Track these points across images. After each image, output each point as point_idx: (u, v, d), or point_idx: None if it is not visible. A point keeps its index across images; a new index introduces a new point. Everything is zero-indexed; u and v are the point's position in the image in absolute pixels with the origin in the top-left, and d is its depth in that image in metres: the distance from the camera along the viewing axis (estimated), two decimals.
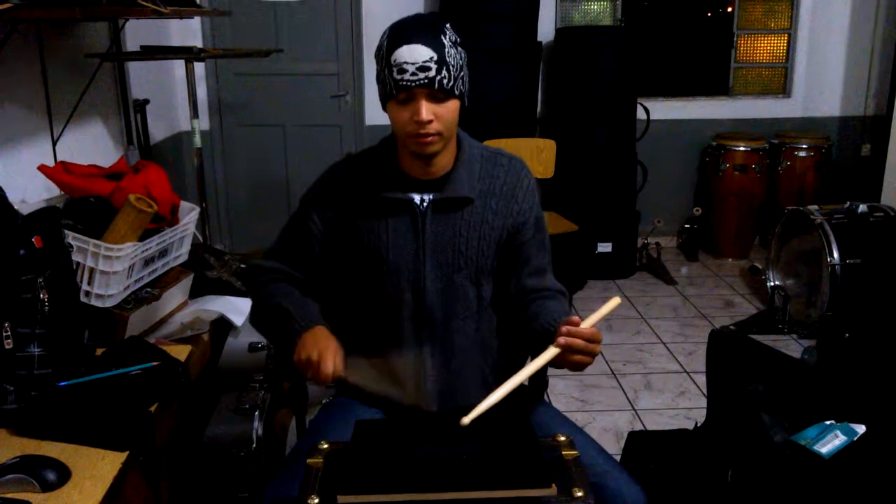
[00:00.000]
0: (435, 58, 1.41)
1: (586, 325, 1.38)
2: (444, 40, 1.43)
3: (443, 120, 1.45)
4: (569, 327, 1.37)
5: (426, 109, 1.42)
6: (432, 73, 1.41)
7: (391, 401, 1.54)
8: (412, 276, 1.56)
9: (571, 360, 1.38)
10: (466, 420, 1.24)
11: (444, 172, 1.55)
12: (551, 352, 1.38)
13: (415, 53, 1.40)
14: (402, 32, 1.43)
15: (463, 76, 1.47)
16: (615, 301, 1.44)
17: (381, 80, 1.47)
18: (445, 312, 1.57)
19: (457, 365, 1.60)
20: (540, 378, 1.78)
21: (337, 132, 4.79)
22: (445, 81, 1.42)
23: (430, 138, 1.45)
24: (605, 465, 1.46)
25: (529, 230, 1.61)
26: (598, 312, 1.41)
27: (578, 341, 1.36)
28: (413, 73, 1.40)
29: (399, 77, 1.41)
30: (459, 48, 1.47)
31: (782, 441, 1.76)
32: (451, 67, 1.43)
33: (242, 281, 2.54)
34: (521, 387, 1.74)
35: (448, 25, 1.47)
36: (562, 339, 1.37)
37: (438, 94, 1.43)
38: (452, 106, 1.46)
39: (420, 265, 1.55)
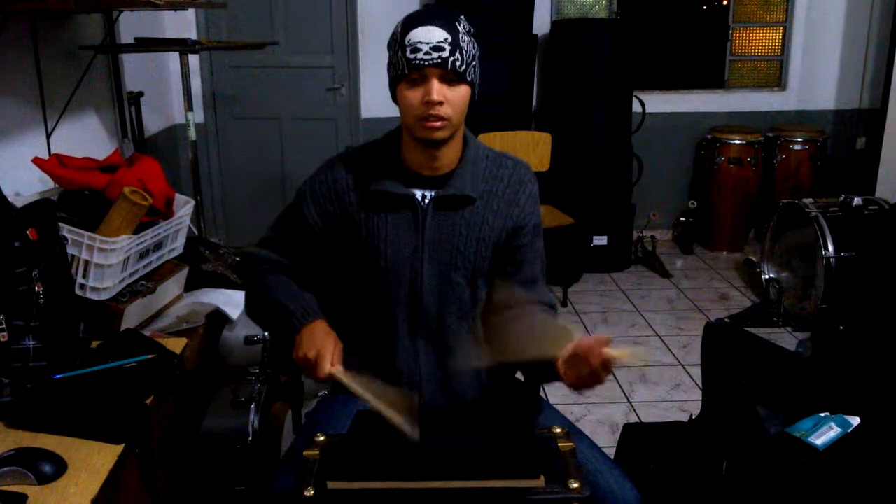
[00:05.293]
0: (449, 39, 1.41)
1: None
2: (459, 27, 1.44)
3: (453, 105, 1.44)
4: (596, 339, 1.28)
5: (437, 89, 1.41)
6: (446, 54, 1.40)
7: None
8: (409, 272, 1.54)
9: (577, 373, 1.30)
10: None
11: (448, 170, 1.54)
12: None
13: (429, 34, 1.40)
14: (417, 16, 1.45)
15: (475, 65, 1.47)
16: (643, 352, 1.32)
17: (392, 63, 1.46)
18: (440, 310, 1.56)
19: (451, 363, 1.58)
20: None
21: (333, 125, 4.77)
22: (458, 64, 1.42)
23: (438, 122, 1.43)
24: (597, 463, 1.45)
25: (527, 235, 1.58)
26: (622, 350, 1.28)
27: (595, 356, 1.26)
28: (427, 53, 1.40)
29: (412, 56, 1.40)
30: (473, 38, 1.47)
31: (777, 433, 1.76)
32: (464, 52, 1.43)
33: (237, 272, 2.54)
34: (516, 381, 1.75)
35: (463, 16, 1.48)
36: (583, 341, 1.29)
37: (451, 75, 1.42)
38: (463, 91, 1.45)
39: (418, 262, 1.54)
